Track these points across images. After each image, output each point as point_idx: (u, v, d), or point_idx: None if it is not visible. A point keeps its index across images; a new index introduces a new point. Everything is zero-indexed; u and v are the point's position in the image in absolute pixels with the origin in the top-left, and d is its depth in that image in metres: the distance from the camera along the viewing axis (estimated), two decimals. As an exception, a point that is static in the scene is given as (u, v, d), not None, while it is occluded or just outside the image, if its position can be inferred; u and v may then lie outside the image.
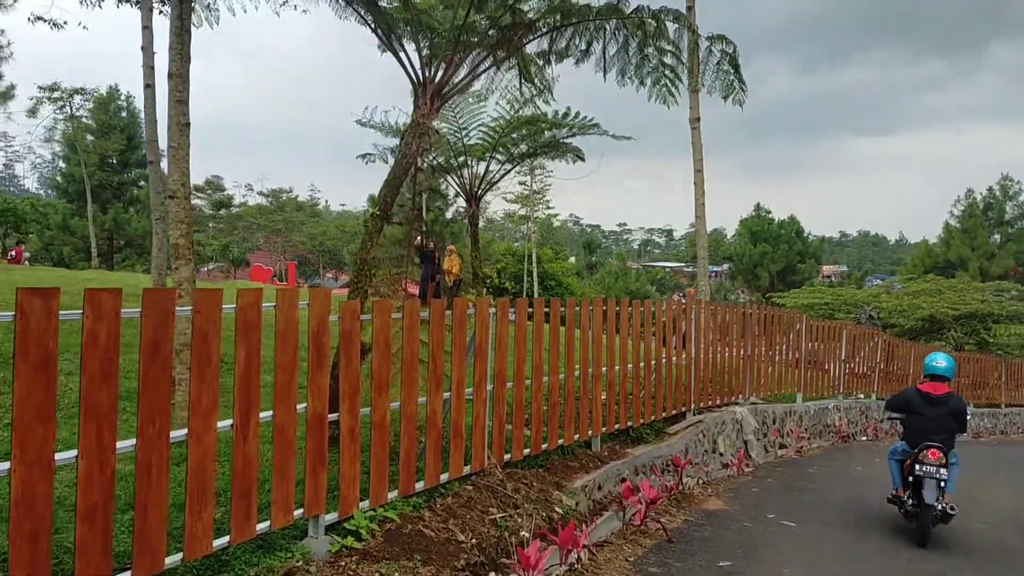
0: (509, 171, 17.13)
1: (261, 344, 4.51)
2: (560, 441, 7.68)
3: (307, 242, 62.53)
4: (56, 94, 37.21)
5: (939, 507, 7.35)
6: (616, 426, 8.72)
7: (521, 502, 6.31)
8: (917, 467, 7.47)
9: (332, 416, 5.13)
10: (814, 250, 56.74)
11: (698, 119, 14.42)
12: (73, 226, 37.80)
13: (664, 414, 9.80)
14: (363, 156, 18.05)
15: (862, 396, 17.89)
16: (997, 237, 48.07)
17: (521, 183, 40.30)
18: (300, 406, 4.84)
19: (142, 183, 39.03)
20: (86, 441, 3.59)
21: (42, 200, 42.61)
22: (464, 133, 15.37)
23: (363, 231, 6.80)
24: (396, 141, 17.26)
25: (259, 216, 57.69)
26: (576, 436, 7.97)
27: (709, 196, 14.86)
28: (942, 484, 7.40)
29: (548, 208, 46.41)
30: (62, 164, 37.78)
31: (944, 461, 7.43)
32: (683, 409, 10.35)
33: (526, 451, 7.18)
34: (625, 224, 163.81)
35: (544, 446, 7.42)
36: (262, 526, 4.57)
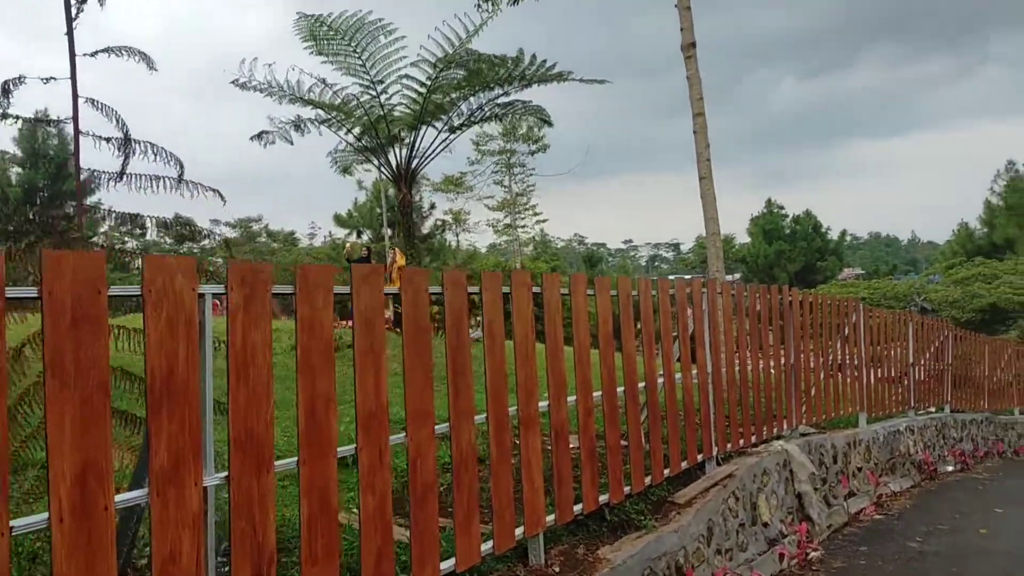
0: (450, 140, 13.15)
1: None
2: (448, 565, 3.71)
3: (278, 275, 58.38)
4: None
5: None
6: (577, 508, 4.75)
7: None
8: None
9: None
10: (835, 247, 52.30)
11: (692, 44, 10.52)
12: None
13: (667, 472, 5.81)
14: (257, 136, 14.03)
15: (933, 409, 13.73)
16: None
17: (498, 183, 36.08)
18: None
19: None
20: None
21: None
22: (381, 88, 11.48)
23: None
24: (296, 108, 13.40)
25: (226, 249, 53.85)
26: (488, 545, 4.00)
27: (716, 203, 10.76)
28: None
29: (535, 214, 41.43)
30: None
31: None
32: (698, 457, 6.35)
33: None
34: (631, 240, 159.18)
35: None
36: None
